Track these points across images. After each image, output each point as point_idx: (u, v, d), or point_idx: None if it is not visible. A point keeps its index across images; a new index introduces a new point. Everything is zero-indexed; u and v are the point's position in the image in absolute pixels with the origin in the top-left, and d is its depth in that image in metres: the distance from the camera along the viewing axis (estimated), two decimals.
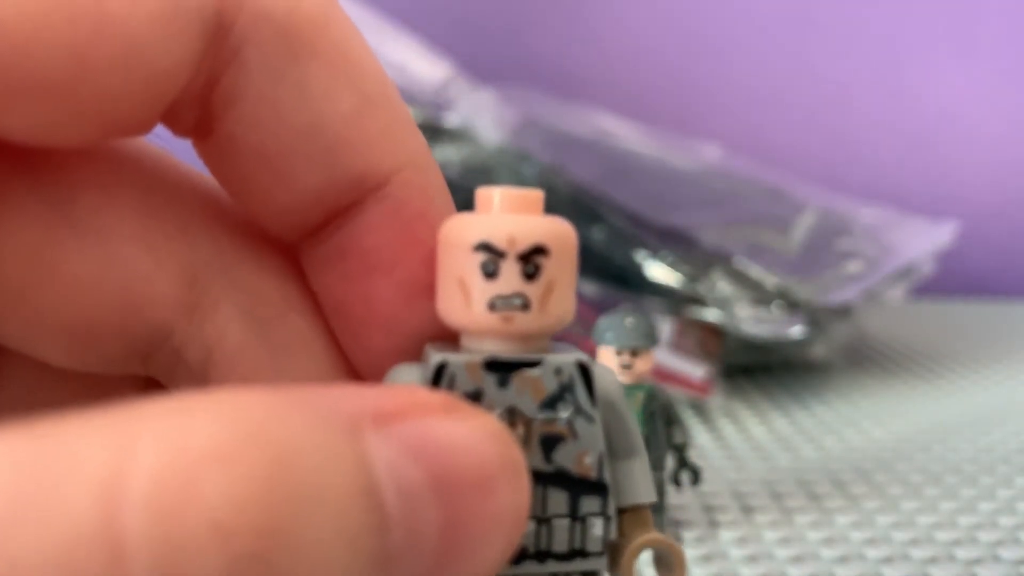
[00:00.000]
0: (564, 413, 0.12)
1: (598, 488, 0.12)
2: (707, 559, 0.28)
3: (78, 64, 0.10)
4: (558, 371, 0.12)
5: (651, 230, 0.47)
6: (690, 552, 0.28)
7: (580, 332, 0.43)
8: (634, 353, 0.28)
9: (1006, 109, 0.75)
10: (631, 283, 0.47)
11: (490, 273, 0.11)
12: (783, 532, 0.30)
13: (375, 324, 0.13)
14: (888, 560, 0.28)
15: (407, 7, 0.61)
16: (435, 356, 0.12)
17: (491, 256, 0.11)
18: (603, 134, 0.56)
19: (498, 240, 0.11)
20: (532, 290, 0.12)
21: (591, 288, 0.47)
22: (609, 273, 0.47)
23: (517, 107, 0.51)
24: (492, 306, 0.12)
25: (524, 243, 0.11)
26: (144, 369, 0.13)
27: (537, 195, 0.12)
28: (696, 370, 0.43)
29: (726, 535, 0.29)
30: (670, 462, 0.30)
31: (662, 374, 0.42)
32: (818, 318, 0.46)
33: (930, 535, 0.30)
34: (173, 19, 0.10)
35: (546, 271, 0.12)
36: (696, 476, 0.30)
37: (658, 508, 0.29)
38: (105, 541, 0.07)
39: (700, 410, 0.43)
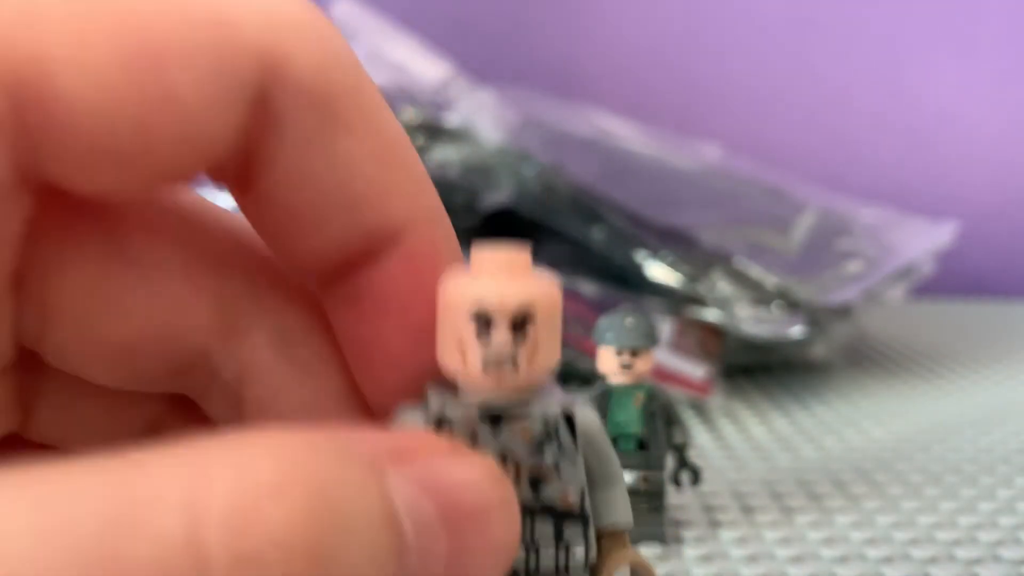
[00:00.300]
0: (549, 458, 0.14)
1: (580, 518, 0.14)
2: (707, 559, 0.28)
3: (143, 135, 0.12)
4: (545, 420, 0.14)
5: (651, 230, 0.47)
6: (690, 552, 0.28)
7: (580, 332, 0.43)
8: (634, 353, 0.28)
9: (1006, 109, 0.75)
10: (631, 283, 0.47)
11: (483, 336, 0.13)
12: (783, 532, 0.30)
13: (383, 360, 0.14)
14: (888, 560, 0.28)
15: (407, 7, 0.61)
16: (434, 401, 0.14)
17: (484, 322, 0.13)
18: (603, 134, 0.56)
19: (490, 307, 0.13)
20: (520, 350, 0.13)
21: (591, 288, 0.47)
22: (609, 273, 0.47)
23: (517, 107, 0.51)
24: (485, 367, 0.13)
25: (513, 309, 0.13)
26: (178, 386, 0.15)
27: (524, 256, 0.13)
28: (696, 370, 0.43)
29: (726, 535, 0.29)
30: (670, 462, 0.30)
31: (662, 374, 0.42)
32: (818, 318, 0.46)
33: (930, 535, 0.30)
34: (224, 94, 0.12)
35: (533, 331, 0.13)
36: (696, 476, 0.30)
37: (658, 508, 0.29)
38: (191, 553, 0.09)
39: (700, 410, 0.43)
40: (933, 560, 0.28)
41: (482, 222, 0.47)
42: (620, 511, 0.15)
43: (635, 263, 0.47)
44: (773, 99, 0.77)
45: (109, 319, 0.14)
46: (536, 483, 0.14)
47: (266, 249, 0.15)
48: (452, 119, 0.49)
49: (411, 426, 0.14)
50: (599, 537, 0.14)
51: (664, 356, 0.42)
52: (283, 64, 0.12)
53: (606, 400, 0.29)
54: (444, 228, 0.14)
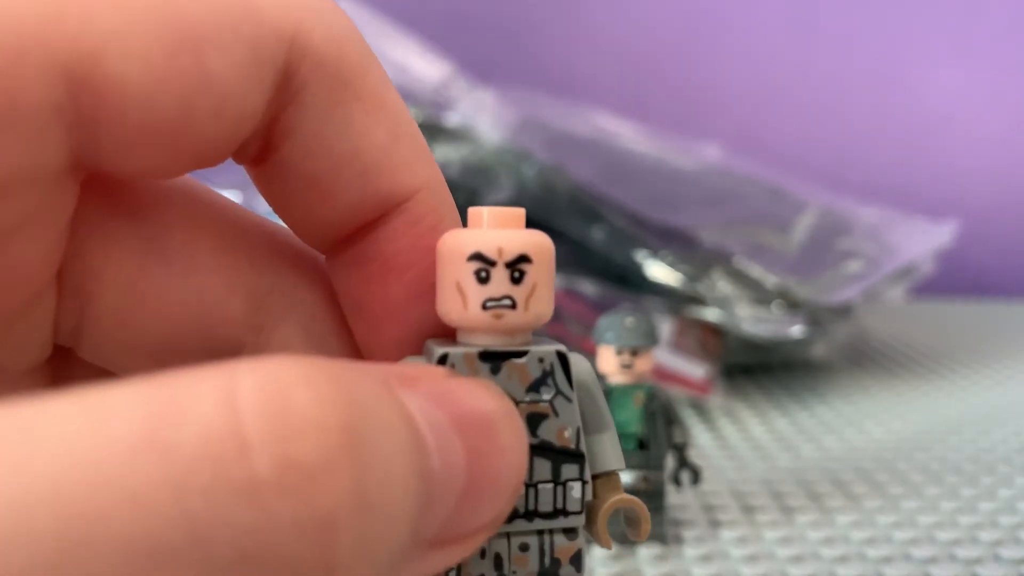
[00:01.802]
0: (546, 395, 0.14)
1: (576, 457, 0.14)
2: (707, 559, 0.28)
3: (185, 114, 0.12)
4: (541, 360, 0.14)
5: (651, 230, 0.47)
6: (690, 552, 0.28)
7: (580, 332, 0.43)
8: (634, 353, 0.28)
9: (1006, 109, 0.75)
10: (631, 283, 0.47)
11: (483, 279, 0.14)
12: (783, 532, 0.30)
13: (388, 319, 0.15)
14: (888, 560, 0.28)
15: (407, 7, 0.61)
16: (437, 349, 0.14)
17: (483, 265, 0.14)
18: (603, 134, 0.56)
19: (489, 251, 0.14)
20: (518, 292, 0.14)
21: (591, 288, 0.47)
22: (609, 273, 0.47)
23: (517, 107, 0.51)
24: (485, 306, 0.14)
25: (511, 253, 0.14)
26: None
27: (520, 212, 0.14)
28: (696, 370, 0.43)
29: (726, 535, 0.29)
30: (670, 462, 0.30)
31: (662, 374, 0.42)
32: (818, 318, 0.46)
33: (931, 535, 0.30)
34: (257, 72, 0.13)
35: (529, 276, 0.14)
36: (696, 476, 0.30)
37: (658, 507, 0.29)
38: (233, 436, 0.09)
39: (700, 410, 0.43)
40: (933, 560, 0.28)
41: None
42: (612, 455, 0.15)
43: (635, 263, 0.47)
44: (773, 99, 0.77)
45: (147, 314, 0.15)
46: (533, 422, 0.14)
47: (292, 241, 0.16)
48: (452, 119, 0.49)
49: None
50: (592, 479, 0.15)
51: (664, 356, 0.42)
52: (304, 41, 0.13)
53: (606, 400, 0.29)
54: (445, 194, 0.15)
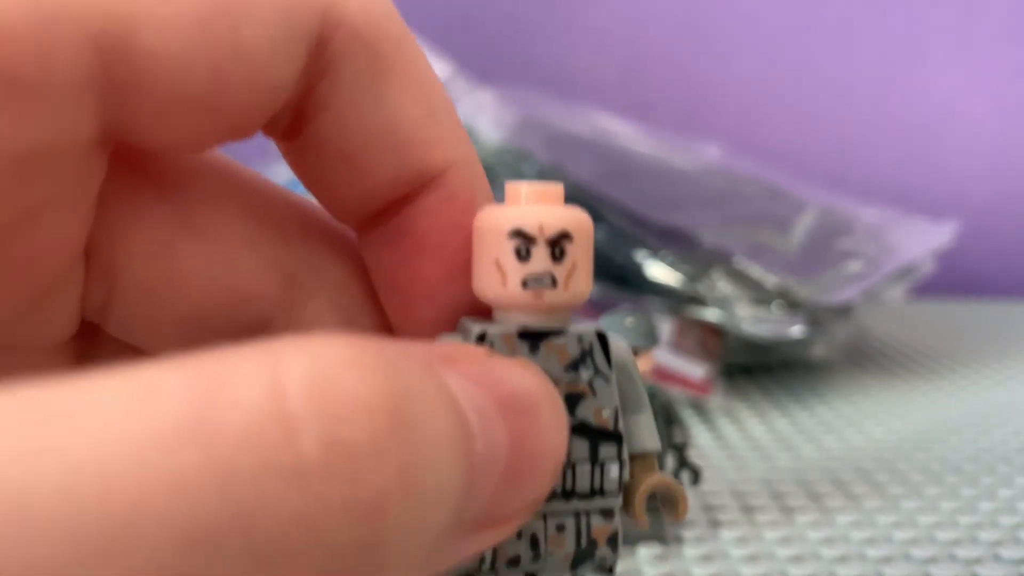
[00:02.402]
0: (585, 375, 0.14)
1: (614, 437, 0.14)
2: (707, 559, 0.28)
3: (218, 85, 0.12)
4: (580, 339, 0.14)
5: (651, 230, 0.47)
6: (690, 552, 0.28)
7: None
8: (634, 353, 0.28)
9: (1006, 109, 0.75)
10: (631, 283, 0.47)
11: (523, 256, 0.13)
12: (783, 532, 0.30)
13: (421, 297, 0.15)
14: (888, 560, 0.28)
15: (407, 7, 0.61)
16: (475, 327, 0.14)
17: (523, 241, 0.13)
18: (603, 134, 0.56)
19: (530, 227, 0.13)
20: (558, 270, 0.14)
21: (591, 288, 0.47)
22: (609, 273, 0.47)
23: (517, 107, 0.51)
24: (525, 284, 0.13)
25: (552, 230, 0.13)
26: None
27: (559, 188, 0.14)
28: (696, 370, 0.43)
29: (726, 535, 0.29)
30: (670, 462, 0.30)
31: (662, 374, 0.42)
32: (818, 318, 0.46)
33: (931, 535, 0.30)
34: (291, 41, 0.13)
35: (570, 254, 0.14)
36: (696, 476, 0.30)
37: (657, 508, 0.29)
38: (280, 420, 0.09)
39: (700, 410, 0.43)
40: (933, 560, 0.28)
41: None
42: (649, 436, 0.15)
43: (635, 263, 0.47)
44: (773, 99, 0.77)
45: (176, 289, 0.14)
46: (572, 401, 0.14)
47: (323, 217, 0.16)
48: None
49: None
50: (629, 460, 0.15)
51: (664, 356, 0.42)
52: (339, 12, 0.13)
53: None
54: (477, 170, 0.15)
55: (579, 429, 0.14)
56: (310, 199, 0.16)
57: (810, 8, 0.76)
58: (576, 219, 0.14)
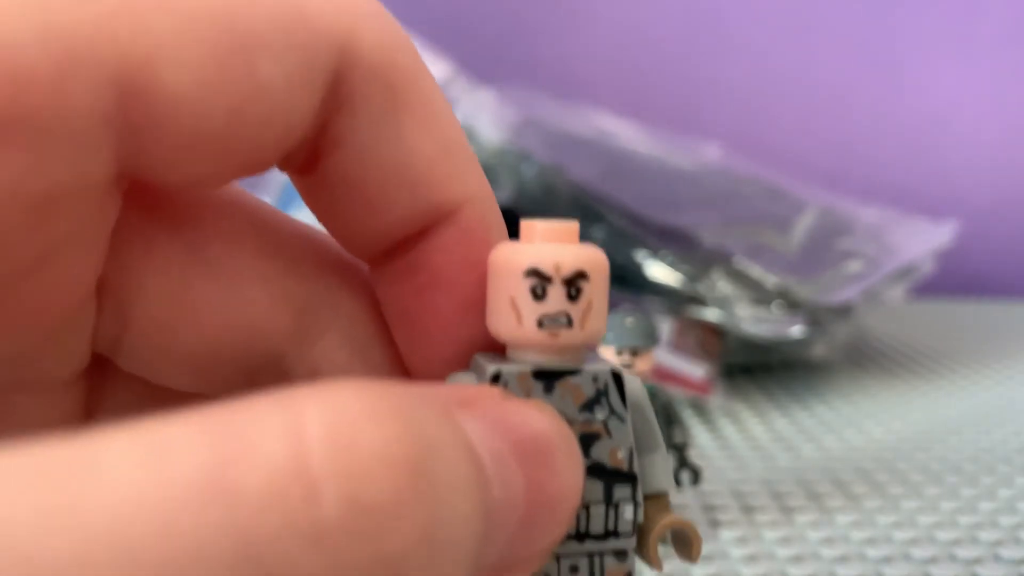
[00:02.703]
0: (600, 415, 0.14)
1: (629, 478, 0.14)
2: (707, 559, 0.28)
3: (236, 124, 0.12)
4: (595, 379, 0.14)
5: (651, 230, 0.47)
6: None
7: None
8: (634, 353, 0.28)
9: (1006, 109, 0.75)
10: (631, 283, 0.47)
11: (539, 295, 0.13)
12: (783, 532, 0.30)
13: (435, 332, 0.15)
14: (888, 560, 0.28)
15: (407, 7, 0.61)
16: (489, 367, 0.14)
17: (539, 280, 0.13)
18: (603, 134, 0.56)
19: (546, 267, 0.13)
20: (574, 310, 0.13)
21: None
22: (609, 273, 0.47)
23: (517, 107, 0.51)
24: (540, 323, 0.13)
25: (568, 269, 0.13)
26: (249, 388, 0.15)
27: (574, 226, 0.14)
28: (696, 370, 0.43)
29: (726, 535, 0.29)
30: (670, 462, 0.30)
31: (662, 374, 0.42)
32: (818, 318, 0.46)
33: (931, 535, 0.30)
34: (308, 78, 0.13)
35: (586, 293, 0.14)
36: (696, 476, 0.30)
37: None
38: (300, 477, 0.09)
39: (700, 410, 0.43)
40: (933, 560, 0.28)
41: None
42: (663, 476, 0.15)
43: (635, 263, 0.47)
44: (773, 99, 0.77)
45: (189, 325, 0.14)
46: (587, 442, 0.14)
47: (335, 249, 0.16)
48: None
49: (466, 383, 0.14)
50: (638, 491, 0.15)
51: (664, 356, 0.42)
52: (356, 47, 0.13)
53: None
54: (492, 207, 0.15)
55: (594, 470, 0.14)
56: (323, 232, 0.16)
57: (810, 9, 0.76)
58: (592, 258, 0.14)
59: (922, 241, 0.52)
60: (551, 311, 0.13)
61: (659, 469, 0.15)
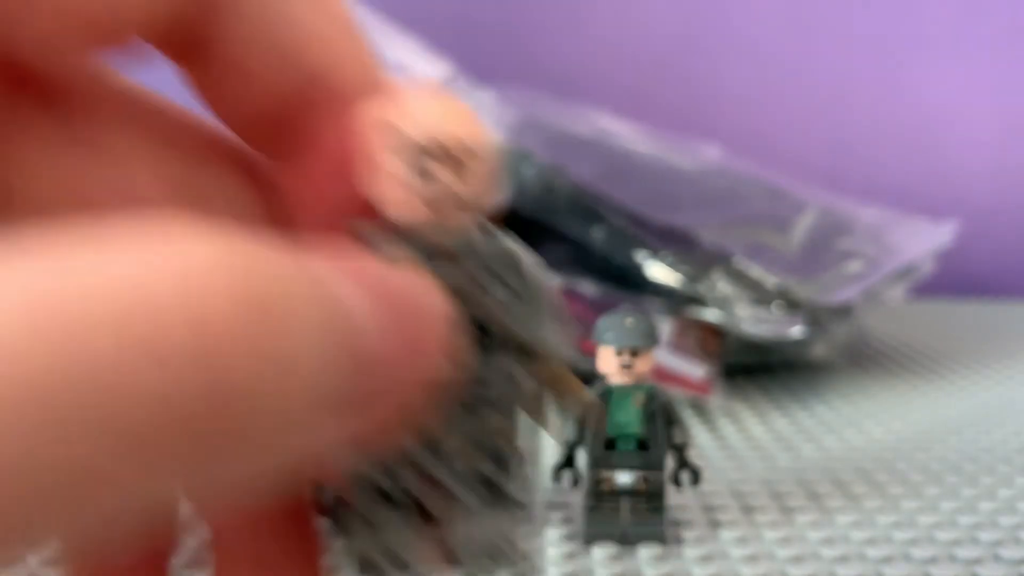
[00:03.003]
0: (489, 287, 0.14)
1: (520, 347, 0.14)
2: (707, 559, 0.28)
3: None
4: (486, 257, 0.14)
5: (651, 230, 0.47)
6: (690, 552, 0.28)
7: (580, 332, 0.43)
8: (634, 353, 0.28)
9: (1006, 109, 0.75)
10: (631, 283, 0.47)
11: (426, 173, 0.13)
12: (783, 532, 0.30)
13: (322, 208, 0.15)
14: (888, 560, 0.28)
15: (407, 7, 0.61)
16: (373, 238, 0.14)
17: (426, 158, 0.13)
18: (603, 134, 0.56)
19: (432, 143, 0.13)
20: (460, 185, 0.14)
21: (591, 288, 0.47)
22: (609, 273, 0.47)
23: (517, 107, 0.51)
24: (428, 203, 0.13)
25: (454, 144, 0.13)
26: None
27: (464, 104, 0.14)
28: (696, 370, 0.43)
29: (726, 535, 0.29)
30: (670, 462, 0.30)
31: (662, 374, 0.42)
32: (818, 318, 0.46)
33: (931, 535, 0.30)
34: None
35: (472, 167, 0.14)
36: (696, 476, 0.30)
37: (658, 508, 0.29)
38: (146, 304, 0.09)
39: (700, 410, 0.43)
40: (933, 560, 0.28)
41: None
42: (553, 339, 0.15)
43: (635, 263, 0.47)
44: (773, 99, 0.77)
45: (71, 207, 0.14)
46: (468, 303, 0.14)
47: (237, 144, 0.16)
48: None
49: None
50: (540, 367, 0.15)
51: (664, 356, 0.42)
52: None
53: (606, 400, 0.29)
54: (373, 69, 0.15)
55: (480, 337, 0.14)
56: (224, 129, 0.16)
57: (810, 9, 0.76)
58: (479, 130, 0.14)
59: (922, 241, 0.52)
60: (437, 190, 0.13)
61: (548, 332, 0.15)
